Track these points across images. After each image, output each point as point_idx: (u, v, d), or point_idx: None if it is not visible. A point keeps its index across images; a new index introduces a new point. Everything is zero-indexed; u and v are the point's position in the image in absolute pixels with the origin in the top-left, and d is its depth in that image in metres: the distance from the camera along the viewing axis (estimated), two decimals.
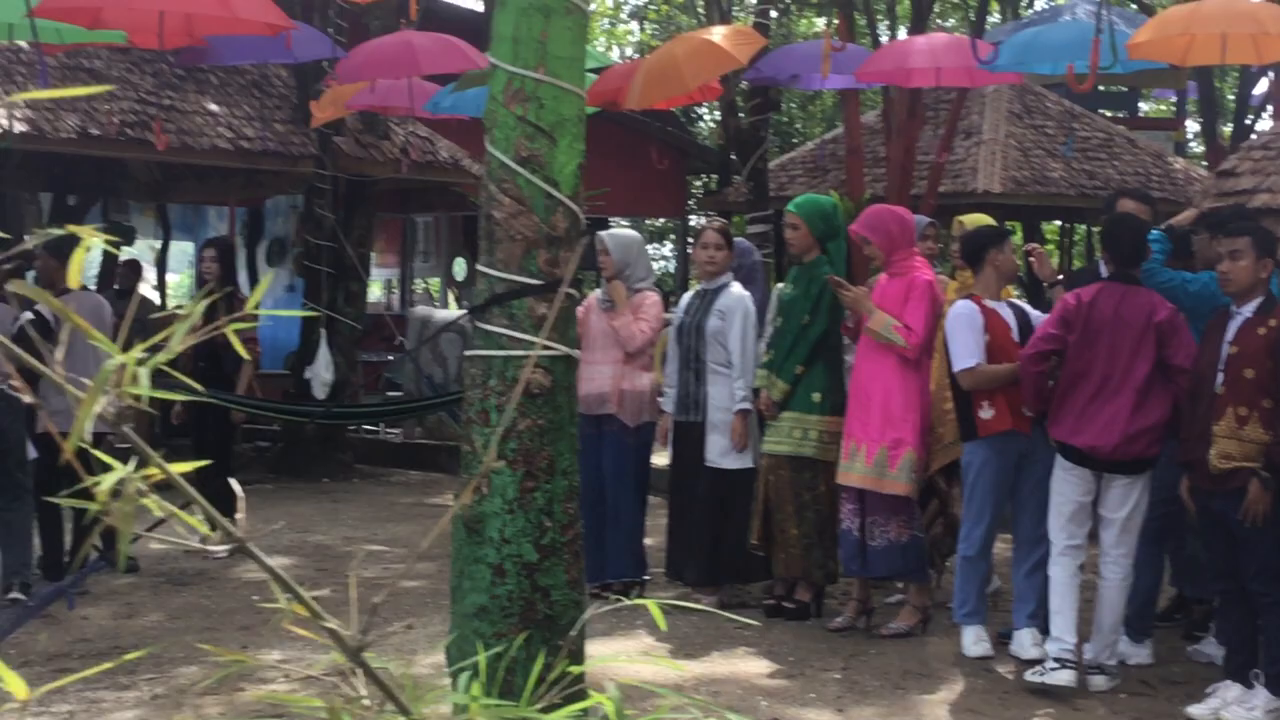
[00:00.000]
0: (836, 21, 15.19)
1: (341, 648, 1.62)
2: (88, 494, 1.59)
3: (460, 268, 22.77)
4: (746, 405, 8.48)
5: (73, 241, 1.68)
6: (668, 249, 33.16)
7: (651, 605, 1.73)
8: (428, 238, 23.43)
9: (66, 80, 13.84)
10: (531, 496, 5.27)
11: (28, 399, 1.66)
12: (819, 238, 8.39)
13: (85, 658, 7.41)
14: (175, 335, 1.60)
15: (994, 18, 26.13)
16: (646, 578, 8.97)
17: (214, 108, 15.15)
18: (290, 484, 14.12)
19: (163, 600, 8.95)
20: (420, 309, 20.24)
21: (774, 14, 21.71)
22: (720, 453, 8.56)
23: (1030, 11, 27.71)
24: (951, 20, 29.94)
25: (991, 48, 11.63)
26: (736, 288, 8.72)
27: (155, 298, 19.55)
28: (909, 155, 14.88)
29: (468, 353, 5.48)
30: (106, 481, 1.51)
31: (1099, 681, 7.05)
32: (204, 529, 1.64)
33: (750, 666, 7.33)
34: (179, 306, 21.17)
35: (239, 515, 1.66)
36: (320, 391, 14.59)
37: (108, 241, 1.73)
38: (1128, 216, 7.43)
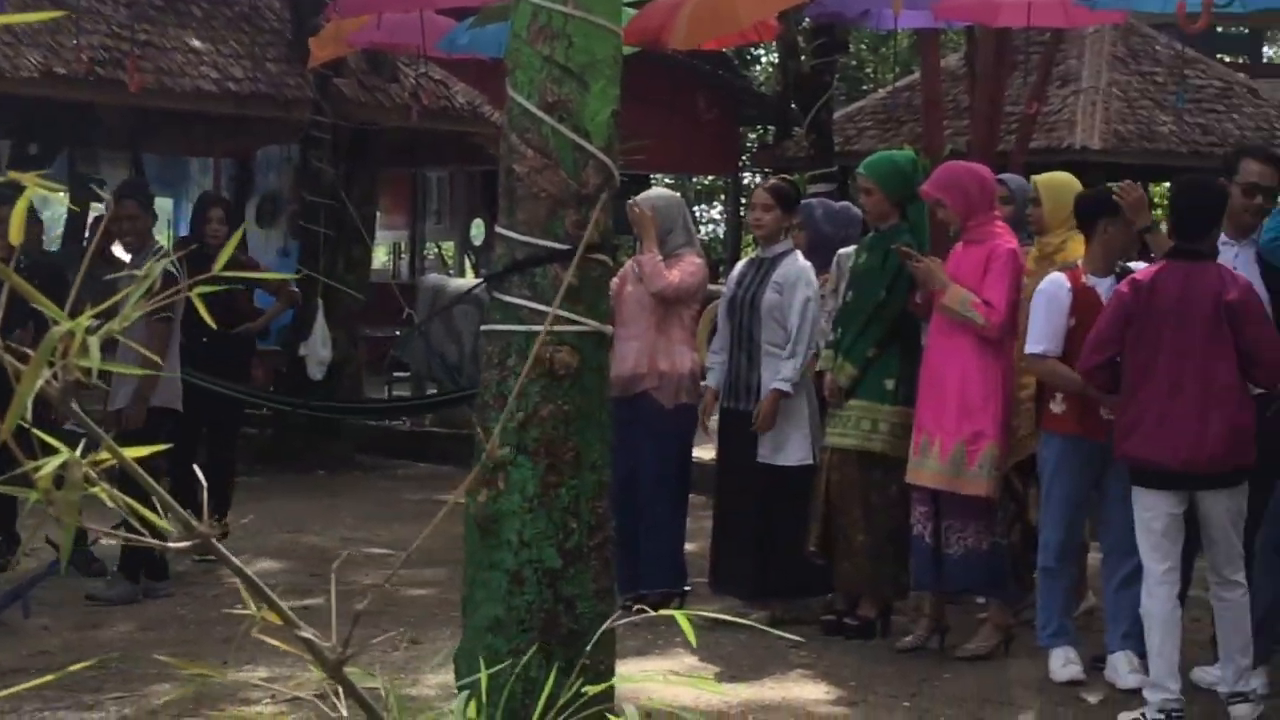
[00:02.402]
0: None
1: (319, 661, 1.56)
2: (25, 480, 1.53)
3: (478, 230, 22.81)
4: (784, 386, 8.38)
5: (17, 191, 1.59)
6: (717, 211, 33.04)
7: (681, 618, 1.71)
8: (441, 196, 23.47)
9: (26, 6, 13.70)
10: (555, 493, 5.22)
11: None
12: (896, 201, 8.27)
13: (45, 672, 7.38)
14: (130, 300, 1.55)
15: None
16: (687, 589, 8.89)
17: (197, 44, 15.13)
18: (281, 476, 14.10)
19: (134, 609, 8.96)
20: (432, 277, 20.27)
21: None
22: (774, 447, 8.49)
23: None
24: None
25: None
26: (797, 257, 8.64)
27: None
28: (995, 106, 14.74)
29: (484, 327, 5.47)
30: (48, 467, 1.43)
31: (1242, 712, 6.78)
32: (166, 525, 1.57)
33: (806, 691, 7.31)
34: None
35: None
36: (317, 372, 14.55)
37: (72, 197, 1.72)
38: (1196, 180, 7.31)
